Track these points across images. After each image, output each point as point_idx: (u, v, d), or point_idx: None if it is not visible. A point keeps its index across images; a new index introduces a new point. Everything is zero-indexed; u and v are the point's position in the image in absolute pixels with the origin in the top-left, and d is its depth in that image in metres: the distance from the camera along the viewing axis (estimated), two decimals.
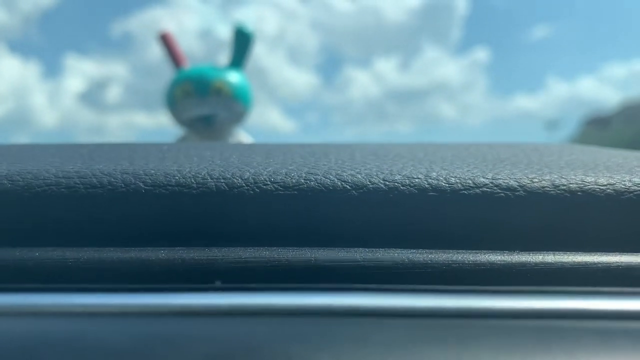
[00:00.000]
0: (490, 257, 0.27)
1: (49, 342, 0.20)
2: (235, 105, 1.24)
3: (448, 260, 0.26)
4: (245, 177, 0.30)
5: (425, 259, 0.27)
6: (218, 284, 0.25)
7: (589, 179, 0.30)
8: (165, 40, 1.28)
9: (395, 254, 0.27)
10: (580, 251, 0.28)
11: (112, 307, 0.24)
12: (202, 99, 1.21)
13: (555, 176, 0.31)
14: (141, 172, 0.30)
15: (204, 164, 0.32)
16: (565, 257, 0.27)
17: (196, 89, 1.21)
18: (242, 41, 1.25)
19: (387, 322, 0.22)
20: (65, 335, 0.21)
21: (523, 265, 0.26)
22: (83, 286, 0.25)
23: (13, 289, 0.24)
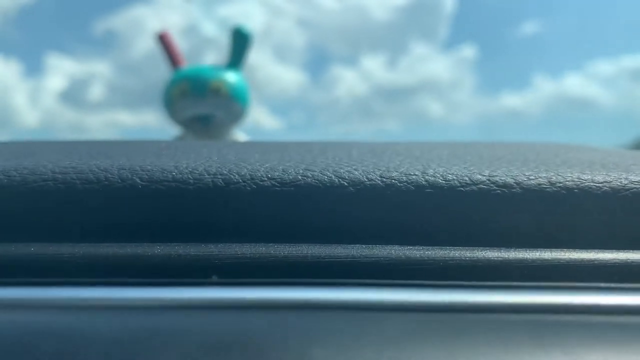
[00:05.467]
0: (487, 253, 0.27)
1: (44, 336, 0.20)
2: (233, 105, 1.24)
3: (445, 257, 0.26)
4: (242, 173, 0.30)
5: (422, 255, 0.27)
6: (214, 278, 0.25)
7: (585, 177, 0.30)
8: (164, 40, 1.28)
9: (392, 250, 0.27)
10: (576, 248, 0.28)
11: (109, 301, 0.24)
12: (199, 99, 1.21)
13: (552, 174, 0.31)
14: (138, 168, 0.30)
15: (201, 160, 0.32)
16: (562, 253, 0.27)
17: (194, 89, 1.21)
18: (241, 41, 1.25)
19: (383, 316, 0.22)
20: (61, 329, 0.21)
21: (520, 261, 0.26)
22: (79, 280, 0.25)
23: (9, 283, 0.24)
